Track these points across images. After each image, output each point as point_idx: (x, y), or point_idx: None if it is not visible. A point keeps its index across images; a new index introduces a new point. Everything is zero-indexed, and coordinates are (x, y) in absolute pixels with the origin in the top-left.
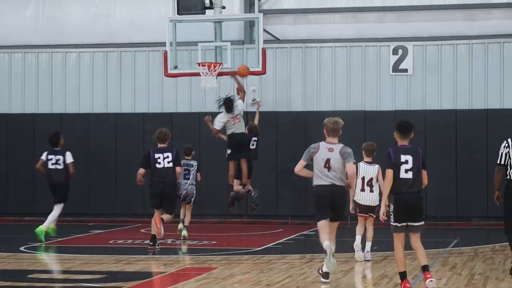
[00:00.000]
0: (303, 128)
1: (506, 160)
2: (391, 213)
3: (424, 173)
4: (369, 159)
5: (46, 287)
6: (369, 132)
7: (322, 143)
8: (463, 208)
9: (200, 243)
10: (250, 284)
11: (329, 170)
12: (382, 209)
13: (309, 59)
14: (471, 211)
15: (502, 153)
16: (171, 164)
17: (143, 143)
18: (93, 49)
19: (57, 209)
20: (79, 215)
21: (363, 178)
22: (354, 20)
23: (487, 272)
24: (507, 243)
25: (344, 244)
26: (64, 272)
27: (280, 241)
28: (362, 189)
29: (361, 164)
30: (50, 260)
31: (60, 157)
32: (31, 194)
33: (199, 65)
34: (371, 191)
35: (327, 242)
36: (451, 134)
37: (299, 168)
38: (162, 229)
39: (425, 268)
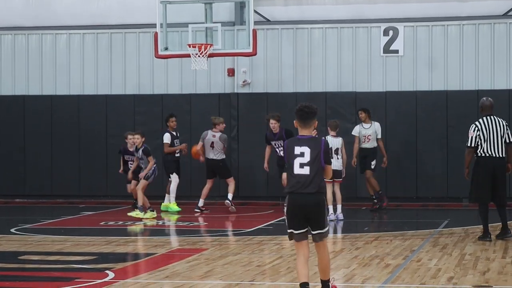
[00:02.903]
0: (294, 109)
1: (476, 142)
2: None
3: (328, 168)
4: (334, 133)
5: (37, 268)
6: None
7: (209, 131)
8: (454, 188)
9: (191, 225)
10: (241, 265)
11: (213, 149)
12: None
13: (300, 40)
14: (462, 192)
15: (472, 137)
16: None
17: (133, 125)
18: (83, 30)
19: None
20: (70, 196)
21: (331, 148)
22: (345, 1)
23: (477, 252)
24: (498, 223)
25: (333, 225)
26: (55, 253)
27: (271, 222)
28: (331, 157)
29: (328, 137)
30: (41, 242)
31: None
32: (22, 175)
33: (189, 47)
34: (337, 158)
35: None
36: (442, 115)
37: (199, 147)
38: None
39: (324, 285)
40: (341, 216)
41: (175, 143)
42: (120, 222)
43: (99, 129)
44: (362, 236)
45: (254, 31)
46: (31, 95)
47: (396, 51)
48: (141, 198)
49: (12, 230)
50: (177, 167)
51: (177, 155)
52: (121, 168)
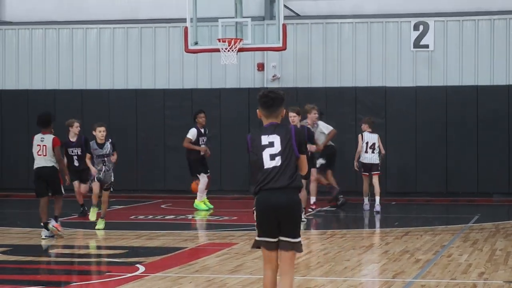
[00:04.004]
0: (324, 104)
1: None
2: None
3: (303, 158)
4: (370, 130)
5: (67, 262)
6: (389, 107)
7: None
8: (484, 184)
9: (220, 219)
10: None
11: None
12: None
13: (329, 35)
14: (493, 187)
15: None
16: None
17: (163, 119)
18: (114, 25)
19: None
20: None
21: (367, 143)
22: None
23: (508, 248)
24: None
25: (363, 220)
26: (85, 247)
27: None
28: (366, 151)
29: (365, 133)
30: (71, 236)
31: None
32: None
33: (219, 41)
34: (373, 152)
35: None
36: (472, 110)
37: None
38: None
39: None
40: (378, 208)
41: (201, 140)
42: (150, 216)
43: (129, 123)
44: (392, 231)
45: (284, 26)
46: (62, 89)
47: (427, 46)
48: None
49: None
50: (203, 165)
51: (202, 153)
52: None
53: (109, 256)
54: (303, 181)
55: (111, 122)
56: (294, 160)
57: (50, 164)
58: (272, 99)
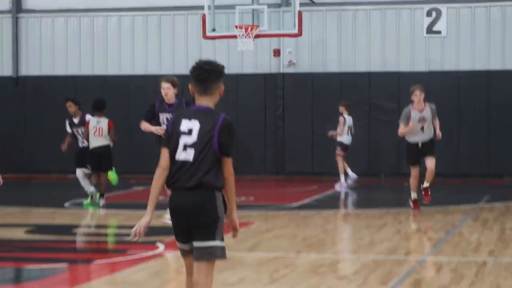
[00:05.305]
0: (339, 89)
1: None
2: None
3: (226, 162)
4: (347, 112)
5: (90, 241)
6: (403, 93)
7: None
8: (495, 165)
9: (238, 199)
10: (287, 238)
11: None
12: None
13: (344, 22)
14: (503, 168)
15: None
16: None
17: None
18: (133, 12)
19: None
20: (122, 172)
21: (348, 126)
22: None
23: None
24: None
25: (377, 200)
26: (107, 226)
27: (316, 197)
28: (347, 133)
29: (346, 117)
30: (93, 216)
31: None
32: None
33: (236, 28)
34: (351, 134)
35: None
36: (484, 95)
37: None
38: None
39: None
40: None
41: (75, 131)
42: None
43: (148, 108)
44: (405, 210)
45: (300, 13)
46: (83, 75)
47: (439, 32)
48: None
49: (66, 204)
50: (80, 158)
51: (83, 145)
52: None
53: (130, 235)
54: None
55: (131, 108)
56: (212, 157)
57: (105, 143)
58: (207, 71)
